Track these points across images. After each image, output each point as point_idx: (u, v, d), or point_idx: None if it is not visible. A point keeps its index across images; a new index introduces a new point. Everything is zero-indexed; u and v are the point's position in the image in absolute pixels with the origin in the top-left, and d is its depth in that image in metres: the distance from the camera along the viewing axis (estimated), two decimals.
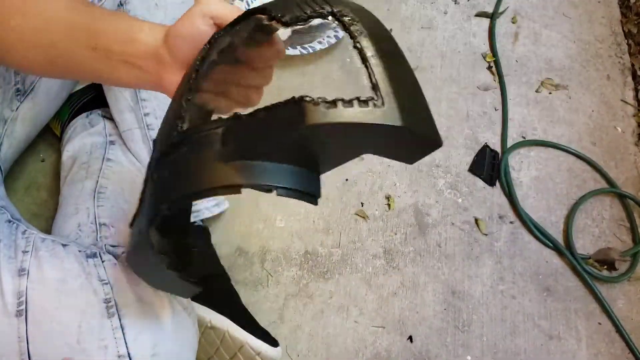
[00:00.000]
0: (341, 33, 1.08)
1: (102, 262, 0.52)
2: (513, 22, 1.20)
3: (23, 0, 0.44)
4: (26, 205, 0.83)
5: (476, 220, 0.91)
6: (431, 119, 0.35)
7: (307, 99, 0.32)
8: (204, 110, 0.44)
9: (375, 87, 0.32)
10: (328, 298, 0.82)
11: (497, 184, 0.96)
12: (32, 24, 0.44)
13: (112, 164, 0.72)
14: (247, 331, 0.69)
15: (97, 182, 0.69)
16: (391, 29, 1.16)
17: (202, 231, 0.79)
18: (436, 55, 1.13)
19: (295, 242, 0.86)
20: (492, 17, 1.20)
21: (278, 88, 1.00)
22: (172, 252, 0.42)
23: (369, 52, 0.34)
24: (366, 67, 0.33)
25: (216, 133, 0.35)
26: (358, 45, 0.34)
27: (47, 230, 0.68)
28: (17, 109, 0.69)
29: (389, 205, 0.92)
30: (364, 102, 0.32)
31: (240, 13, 0.40)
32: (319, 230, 0.88)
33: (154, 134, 0.71)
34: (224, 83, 0.45)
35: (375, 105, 0.32)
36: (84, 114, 0.82)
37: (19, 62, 0.47)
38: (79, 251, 0.53)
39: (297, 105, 0.32)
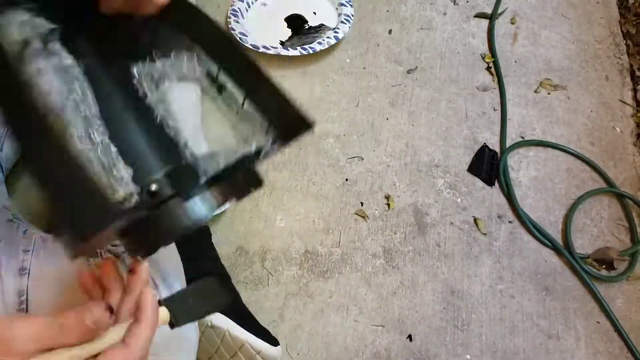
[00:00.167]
0: (341, 33, 1.08)
1: None
2: (512, 23, 1.21)
3: None
4: (27, 205, 0.83)
5: (475, 219, 0.92)
6: (292, 106, 0.38)
7: None
8: None
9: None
10: (328, 297, 0.82)
11: (496, 183, 0.96)
12: None
13: None
14: (248, 330, 0.69)
15: None
16: (391, 30, 1.16)
17: (203, 231, 0.79)
18: (435, 56, 1.13)
19: (295, 242, 0.87)
20: (491, 17, 1.20)
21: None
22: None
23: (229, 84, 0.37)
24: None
25: None
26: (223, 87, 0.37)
27: (48, 230, 0.68)
28: None
29: (388, 205, 0.92)
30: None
31: None
32: (318, 229, 0.88)
33: None
34: None
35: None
36: None
37: None
38: None
39: None
